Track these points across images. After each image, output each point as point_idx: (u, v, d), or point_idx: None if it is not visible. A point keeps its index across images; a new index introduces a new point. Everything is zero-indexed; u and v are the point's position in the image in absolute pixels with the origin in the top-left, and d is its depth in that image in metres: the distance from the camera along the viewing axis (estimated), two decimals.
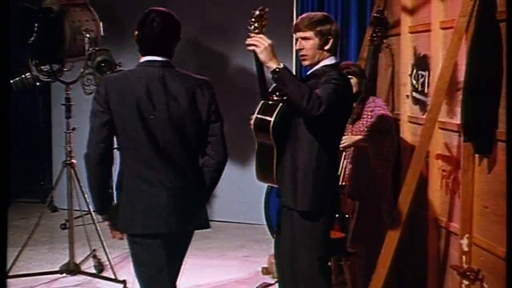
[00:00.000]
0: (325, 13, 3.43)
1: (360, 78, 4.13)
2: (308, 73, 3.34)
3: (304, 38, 3.23)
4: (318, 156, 3.21)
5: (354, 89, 3.99)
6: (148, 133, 2.91)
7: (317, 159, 3.21)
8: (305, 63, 3.30)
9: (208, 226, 3.11)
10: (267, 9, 3.13)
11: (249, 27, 3.11)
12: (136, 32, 3.00)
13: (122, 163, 3.00)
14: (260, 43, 3.06)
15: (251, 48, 3.08)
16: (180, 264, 3.16)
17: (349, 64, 4.24)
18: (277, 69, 3.03)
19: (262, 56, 3.06)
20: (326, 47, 3.23)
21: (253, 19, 3.11)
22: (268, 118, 3.23)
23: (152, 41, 2.96)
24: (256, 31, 3.10)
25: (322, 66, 3.24)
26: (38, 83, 4.73)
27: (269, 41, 3.07)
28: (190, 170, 3.02)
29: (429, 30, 3.85)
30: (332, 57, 3.27)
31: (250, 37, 3.09)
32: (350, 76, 3.98)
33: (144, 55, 3.00)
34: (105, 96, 2.91)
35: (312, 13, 3.41)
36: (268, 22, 3.13)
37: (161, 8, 3.01)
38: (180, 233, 3.05)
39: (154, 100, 2.91)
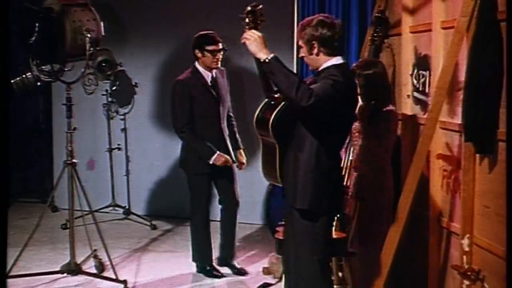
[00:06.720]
0: (316, 17, 3.31)
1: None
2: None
3: (301, 46, 3.31)
4: (317, 156, 3.23)
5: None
6: None
7: (317, 159, 3.23)
8: (310, 68, 3.38)
9: None
10: (260, 6, 3.21)
11: (242, 23, 3.20)
12: None
13: None
14: (249, 35, 3.15)
15: (242, 41, 3.17)
16: None
17: (359, 64, 4.03)
18: (266, 60, 3.10)
19: (252, 48, 3.14)
20: (314, 52, 3.24)
21: (244, 15, 3.19)
22: (267, 117, 3.28)
23: None
24: (248, 26, 3.18)
25: (326, 67, 3.24)
26: (39, 83, 4.72)
27: (259, 34, 3.14)
28: None
29: (430, 30, 3.85)
30: (337, 58, 3.26)
31: (243, 32, 3.19)
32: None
33: None
34: None
35: (306, 19, 3.38)
36: (265, 19, 3.20)
37: None
38: None
39: None
